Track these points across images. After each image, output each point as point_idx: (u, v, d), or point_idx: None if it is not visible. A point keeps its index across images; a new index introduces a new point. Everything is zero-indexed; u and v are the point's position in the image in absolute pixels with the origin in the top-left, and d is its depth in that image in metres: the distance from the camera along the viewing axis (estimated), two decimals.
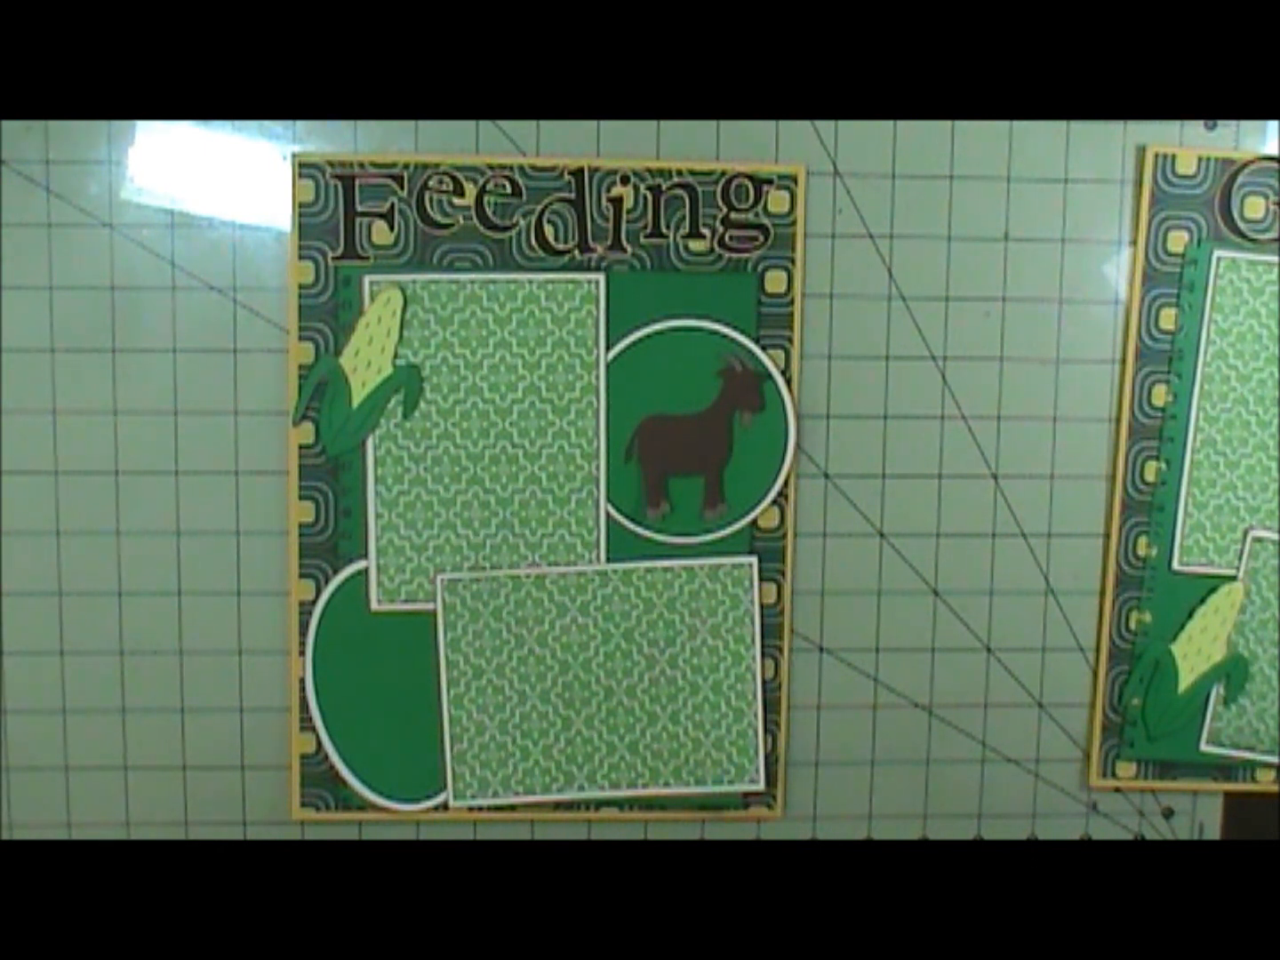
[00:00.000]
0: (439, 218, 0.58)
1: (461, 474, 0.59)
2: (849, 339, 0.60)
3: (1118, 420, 0.61)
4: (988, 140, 0.59)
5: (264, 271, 0.58)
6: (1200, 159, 0.59)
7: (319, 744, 0.60)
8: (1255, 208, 0.60)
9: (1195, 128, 0.60)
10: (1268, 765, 0.63)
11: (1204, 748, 0.62)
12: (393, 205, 0.57)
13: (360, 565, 0.59)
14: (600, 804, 0.61)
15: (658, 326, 0.58)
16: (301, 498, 0.58)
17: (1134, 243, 0.60)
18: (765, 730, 0.61)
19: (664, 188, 0.58)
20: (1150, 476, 0.61)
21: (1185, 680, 0.62)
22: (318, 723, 0.60)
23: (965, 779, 0.61)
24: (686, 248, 0.58)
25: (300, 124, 0.57)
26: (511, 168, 0.58)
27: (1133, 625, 0.62)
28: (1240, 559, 0.61)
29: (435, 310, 0.58)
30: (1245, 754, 0.62)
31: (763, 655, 0.61)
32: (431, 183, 0.57)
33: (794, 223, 0.59)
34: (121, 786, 0.59)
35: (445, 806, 0.60)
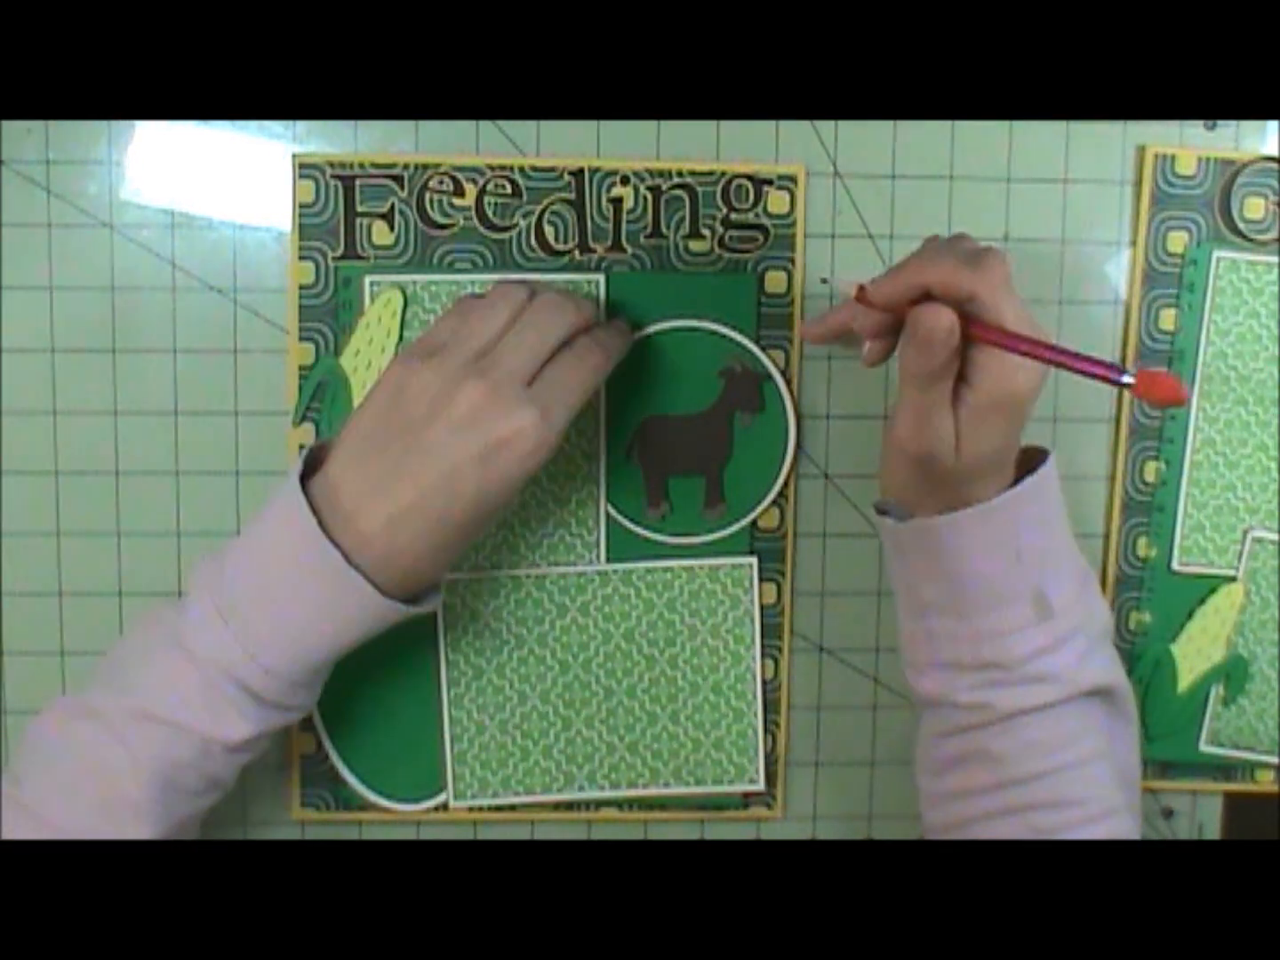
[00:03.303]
0: (439, 218, 0.58)
1: None
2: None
3: (1117, 420, 0.61)
4: (988, 140, 0.59)
5: (264, 271, 0.58)
6: (1200, 159, 0.59)
7: (319, 744, 0.60)
8: (1255, 208, 0.60)
9: (1195, 128, 0.60)
10: (1268, 765, 0.63)
11: (1204, 748, 0.62)
12: (393, 205, 0.57)
13: None
14: (600, 804, 0.61)
15: (658, 327, 0.58)
16: None
17: (1134, 243, 0.60)
18: (765, 730, 0.61)
19: (664, 188, 0.58)
20: (1150, 477, 0.61)
21: (1185, 680, 0.62)
22: (318, 723, 0.60)
23: None
24: (686, 248, 0.58)
25: (300, 124, 0.57)
26: (511, 168, 0.58)
27: (1132, 625, 0.62)
28: (1240, 559, 0.61)
29: (435, 310, 0.58)
30: (1245, 754, 0.62)
31: (763, 655, 0.61)
32: (431, 183, 0.57)
33: (794, 223, 0.59)
34: None
35: (445, 806, 0.60)
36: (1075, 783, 0.49)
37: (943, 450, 0.48)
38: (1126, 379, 0.43)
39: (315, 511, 0.47)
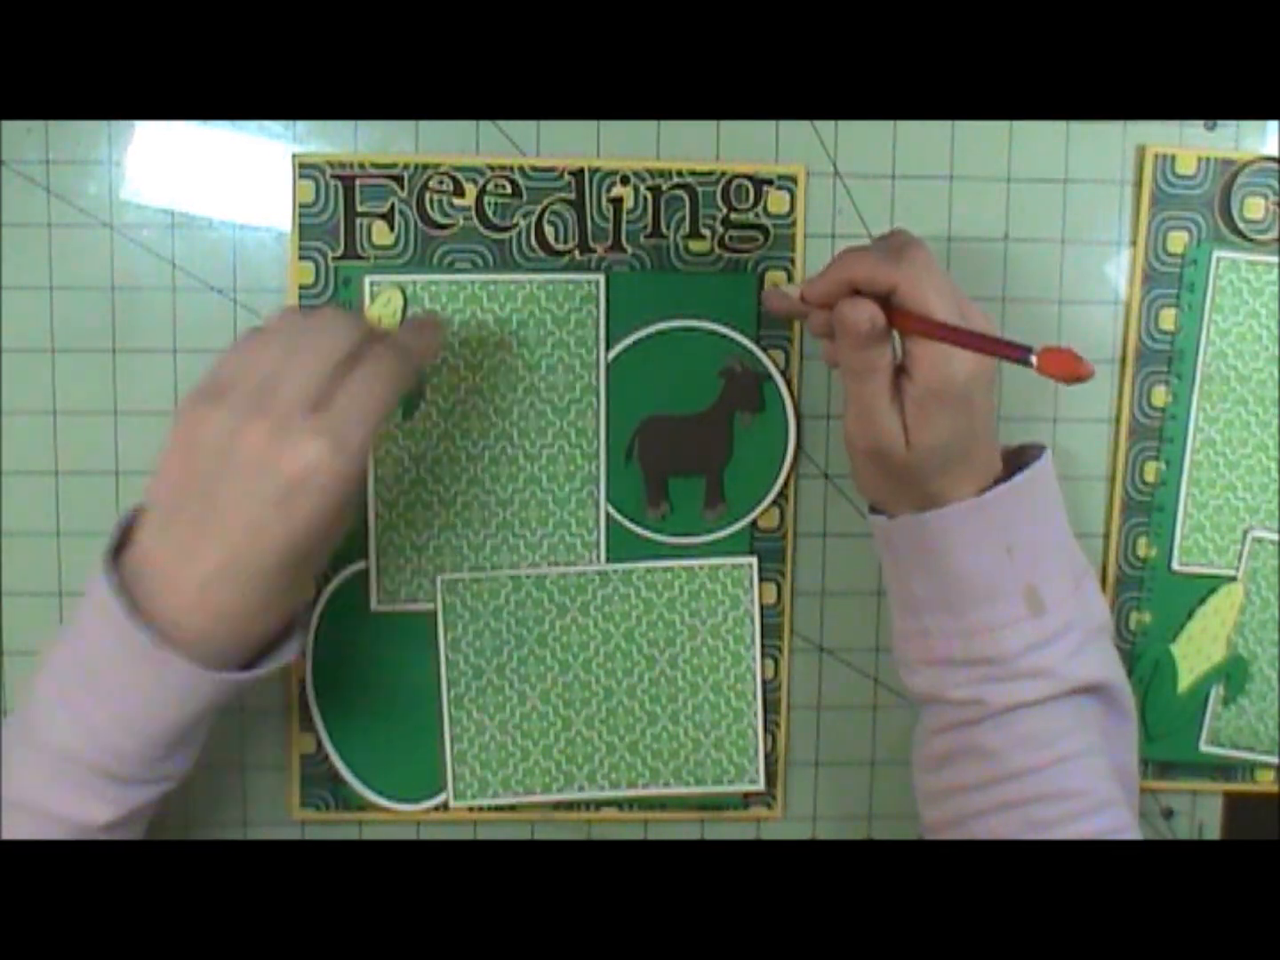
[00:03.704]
0: (439, 218, 0.58)
1: (461, 474, 0.59)
2: None
3: (1117, 420, 0.61)
4: (988, 140, 0.59)
5: (264, 271, 0.58)
6: (1200, 159, 0.59)
7: (319, 744, 0.60)
8: (1255, 208, 0.60)
9: (1195, 128, 0.60)
10: (1268, 765, 0.63)
11: (1204, 748, 0.62)
12: (393, 205, 0.57)
13: (360, 566, 0.59)
14: (600, 804, 0.61)
15: (658, 326, 0.58)
16: None
17: (1134, 243, 0.60)
18: (765, 730, 0.61)
19: (664, 188, 0.58)
20: (1150, 477, 0.61)
21: (1185, 680, 0.62)
22: (318, 723, 0.59)
23: None
24: (686, 248, 0.58)
25: (300, 124, 0.57)
26: (511, 168, 0.58)
27: (1132, 625, 0.62)
28: (1240, 559, 0.61)
29: (435, 310, 0.58)
30: (1245, 754, 0.62)
31: (763, 655, 0.61)
32: (431, 183, 0.57)
33: (794, 223, 0.59)
34: None
35: (445, 806, 0.60)
36: (1070, 776, 0.49)
37: (891, 443, 0.49)
38: (1031, 359, 0.43)
39: (129, 587, 0.44)
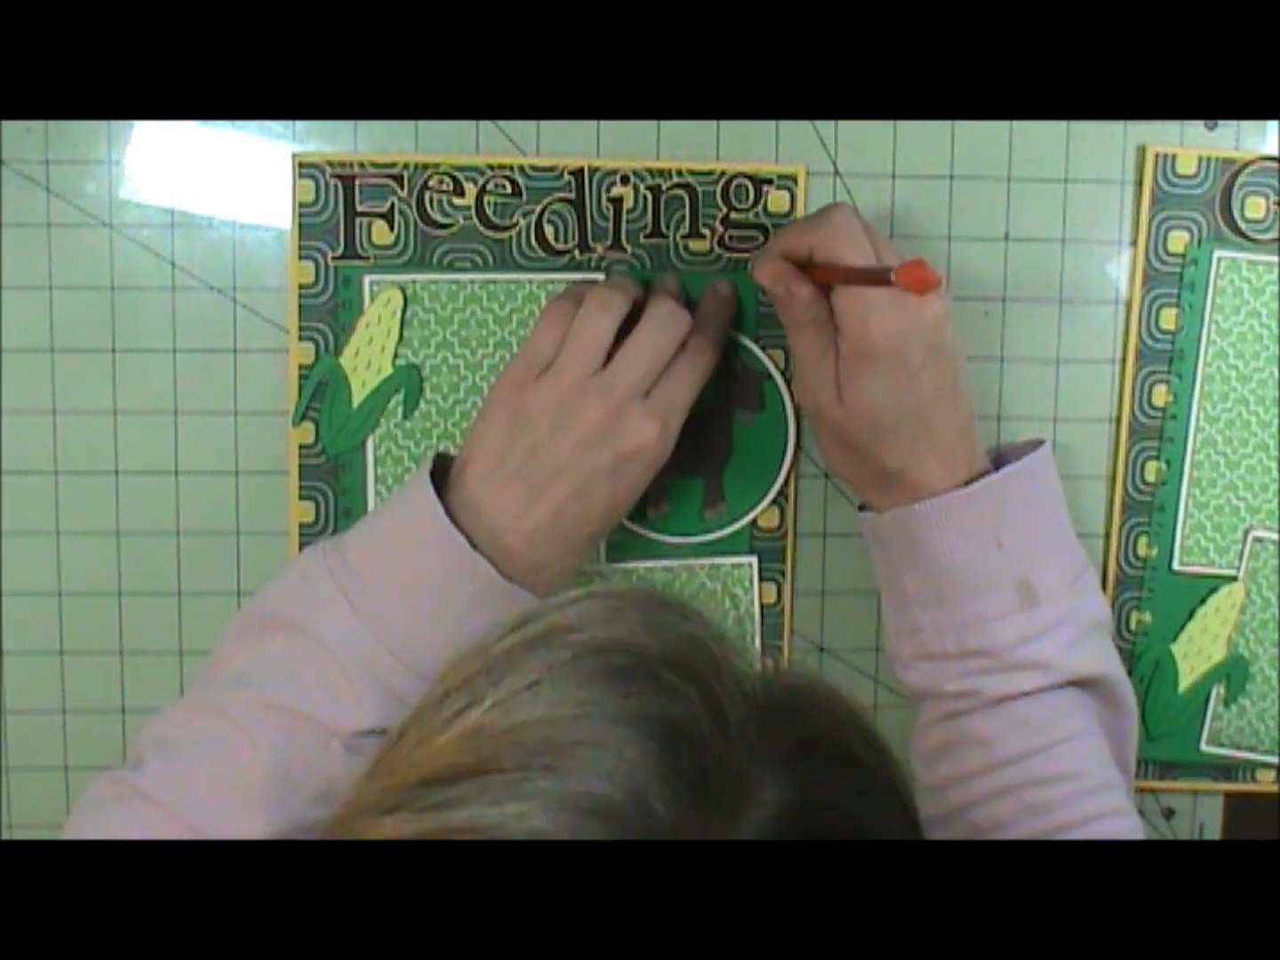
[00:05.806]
0: (439, 218, 0.58)
1: None
2: None
3: (1118, 420, 0.61)
4: (988, 140, 0.59)
5: (264, 271, 0.58)
6: (1200, 159, 0.59)
7: None
8: (1255, 208, 0.60)
9: (1195, 128, 0.60)
10: (1268, 765, 0.63)
11: (1204, 748, 0.62)
12: (393, 205, 0.57)
13: None
14: None
15: None
16: (301, 498, 0.58)
17: (1134, 243, 0.60)
18: None
19: (664, 188, 0.58)
20: (1150, 476, 0.61)
21: (1185, 680, 0.62)
22: None
23: None
24: (686, 248, 0.58)
25: (300, 124, 0.57)
26: (511, 168, 0.58)
27: (1133, 625, 0.62)
28: (1240, 559, 0.61)
29: (435, 310, 0.58)
30: (1245, 754, 0.62)
31: (763, 655, 0.61)
32: (431, 183, 0.57)
33: (794, 222, 0.59)
34: None
35: None
36: (1066, 758, 0.50)
37: (825, 399, 0.50)
38: (890, 276, 0.46)
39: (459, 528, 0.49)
